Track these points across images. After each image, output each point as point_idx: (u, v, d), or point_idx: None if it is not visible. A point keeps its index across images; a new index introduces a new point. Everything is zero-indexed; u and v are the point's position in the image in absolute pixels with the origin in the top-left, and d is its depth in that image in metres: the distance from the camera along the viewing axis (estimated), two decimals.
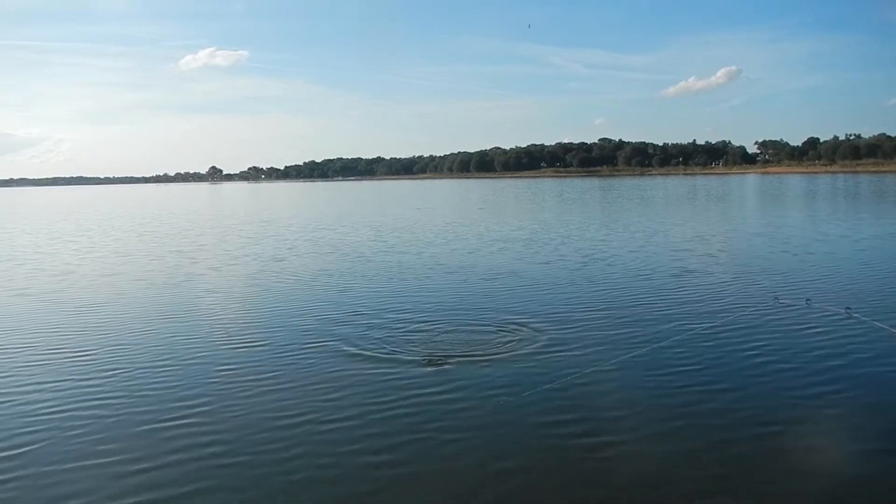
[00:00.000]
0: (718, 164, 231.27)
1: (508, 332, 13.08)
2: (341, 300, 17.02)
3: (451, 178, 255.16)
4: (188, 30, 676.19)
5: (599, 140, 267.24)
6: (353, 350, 12.04)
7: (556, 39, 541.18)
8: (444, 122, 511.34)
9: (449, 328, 13.54)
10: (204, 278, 21.71)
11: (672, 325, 13.47)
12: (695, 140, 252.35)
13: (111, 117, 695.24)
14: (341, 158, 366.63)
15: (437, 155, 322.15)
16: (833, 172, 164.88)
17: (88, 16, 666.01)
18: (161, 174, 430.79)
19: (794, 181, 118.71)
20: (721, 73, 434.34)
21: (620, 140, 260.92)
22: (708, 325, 13.36)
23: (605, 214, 49.94)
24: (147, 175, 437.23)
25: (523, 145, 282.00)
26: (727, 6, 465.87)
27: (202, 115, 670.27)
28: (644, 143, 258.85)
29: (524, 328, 13.33)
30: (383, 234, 35.67)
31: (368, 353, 11.84)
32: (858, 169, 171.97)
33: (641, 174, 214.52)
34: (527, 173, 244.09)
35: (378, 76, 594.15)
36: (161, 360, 11.75)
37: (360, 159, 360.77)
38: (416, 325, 13.83)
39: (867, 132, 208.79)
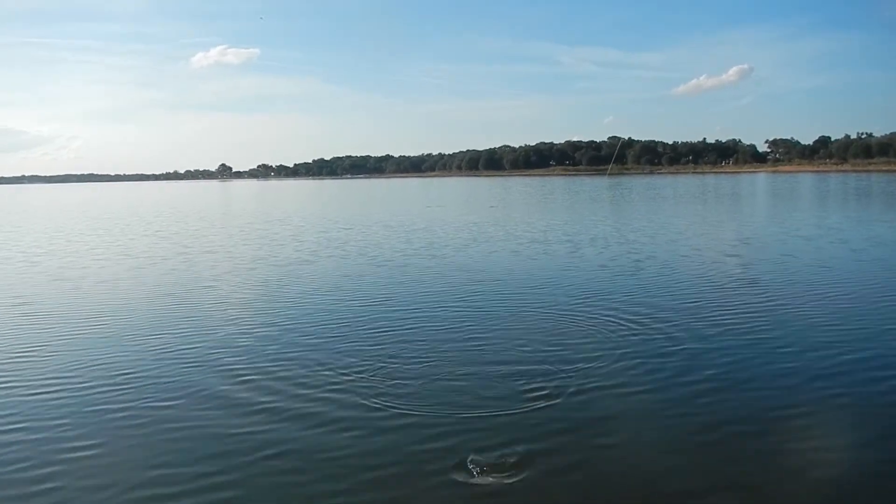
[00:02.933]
0: (729, 163, 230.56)
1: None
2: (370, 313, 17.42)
3: (461, 175, 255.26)
4: (199, 28, 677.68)
5: (609, 138, 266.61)
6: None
7: (565, 38, 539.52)
8: (454, 120, 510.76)
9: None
10: (223, 283, 21.98)
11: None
12: (705, 139, 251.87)
13: (122, 115, 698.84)
14: (350, 156, 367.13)
15: (446, 153, 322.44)
16: (845, 171, 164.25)
17: (101, 15, 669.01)
18: (171, 171, 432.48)
19: (807, 180, 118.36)
20: (733, 71, 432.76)
21: (630, 138, 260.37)
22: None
23: (634, 213, 50.08)
24: (157, 172, 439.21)
25: (532, 143, 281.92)
26: (739, 4, 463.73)
27: (213, 112, 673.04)
28: (654, 141, 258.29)
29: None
30: (414, 236, 35.84)
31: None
32: (870, 168, 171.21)
33: (651, 172, 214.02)
34: (536, 171, 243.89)
35: (388, 75, 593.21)
36: (161, 377, 12.12)
37: (369, 157, 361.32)
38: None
39: (882, 131, 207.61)
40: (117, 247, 32.06)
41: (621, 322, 14.33)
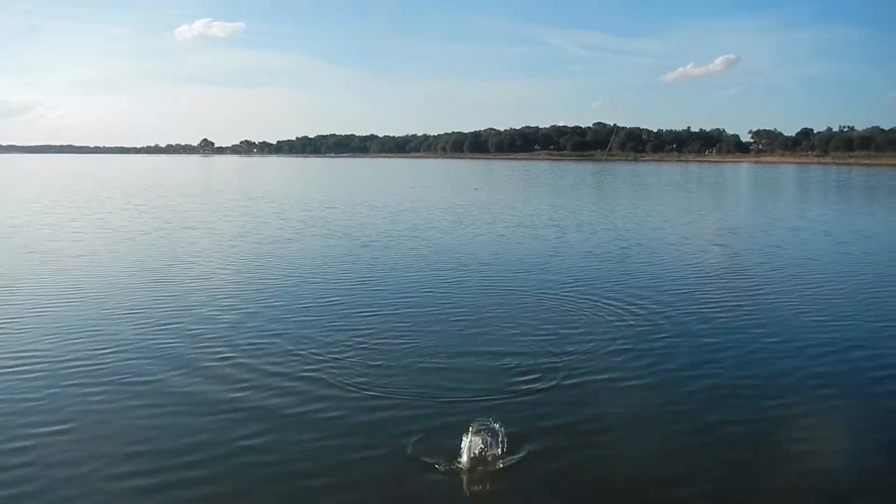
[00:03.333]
0: (712, 152, 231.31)
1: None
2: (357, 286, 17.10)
3: (445, 157, 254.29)
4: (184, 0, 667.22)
5: (594, 124, 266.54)
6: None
7: (557, 20, 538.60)
8: (440, 100, 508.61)
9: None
10: (203, 260, 21.58)
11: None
12: (689, 127, 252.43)
13: (104, 86, 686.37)
14: (334, 135, 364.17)
15: (431, 134, 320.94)
16: (825, 164, 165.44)
17: None
18: (152, 145, 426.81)
19: (789, 172, 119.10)
20: (719, 60, 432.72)
21: (615, 125, 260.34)
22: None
23: (619, 199, 50.00)
24: (138, 146, 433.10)
25: (518, 127, 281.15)
26: None
27: (196, 86, 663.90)
28: (639, 128, 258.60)
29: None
30: (399, 219, 35.49)
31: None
32: (850, 161, 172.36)
33: (635, 159, 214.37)
34: (521, 155, 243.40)
35: (376, 53, 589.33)
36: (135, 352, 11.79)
37: (353, 136, 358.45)
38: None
39: (863, 125, 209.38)
40: (96, 220, 31.42)
41: (610, 309, 14.15)
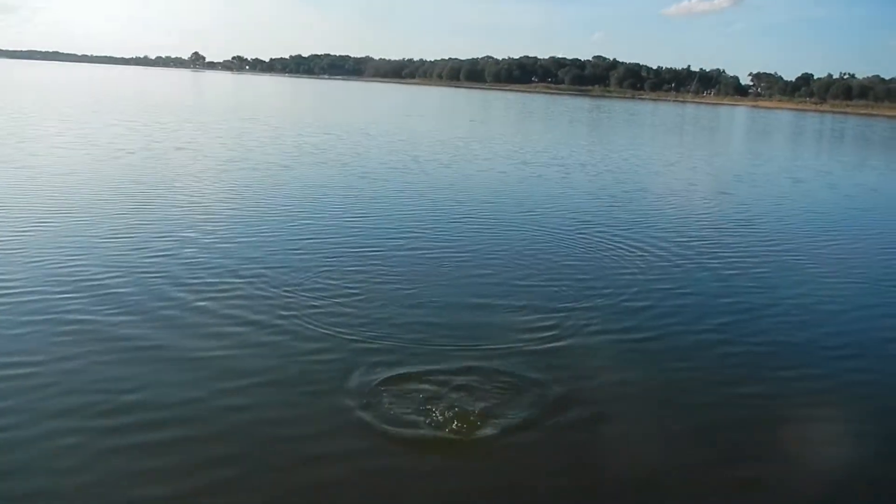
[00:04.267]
0: (710, 93, 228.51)
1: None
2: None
3: (441, 85, 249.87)
4: None
5: (594, 58, 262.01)
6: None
7: None
8: (440, 21, 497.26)
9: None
10: (191, 184, 20.63)
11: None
12: (689, 66, 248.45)
13: None
14: (329, 55, 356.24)
15: (428, 59, 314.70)
16: (822, 112, 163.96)
17: None
18: (141, 56, 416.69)
19: (787, 118, 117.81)
20: None
21: (615, 60, 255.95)
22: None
23: (621, 140, 49.08)
24: (127, 56, 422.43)
25: (516, 57, 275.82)
26: None
27: None
28: (638, 64, 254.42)
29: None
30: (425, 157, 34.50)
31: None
32: (848, 110, 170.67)
33: (633, 97, 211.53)
34: (517, 87, 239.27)
35: None
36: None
37: (348, 57, 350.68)
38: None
39: (865, 73, 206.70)
40: (80, 135, 30.17)
41: (617, 258, 13.64)
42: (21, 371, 7.50)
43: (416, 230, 15.28)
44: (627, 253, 14.13)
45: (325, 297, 10.31)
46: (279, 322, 9.24)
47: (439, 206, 18.52)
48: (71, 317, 9.07)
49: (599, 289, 11.44)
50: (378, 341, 8.73)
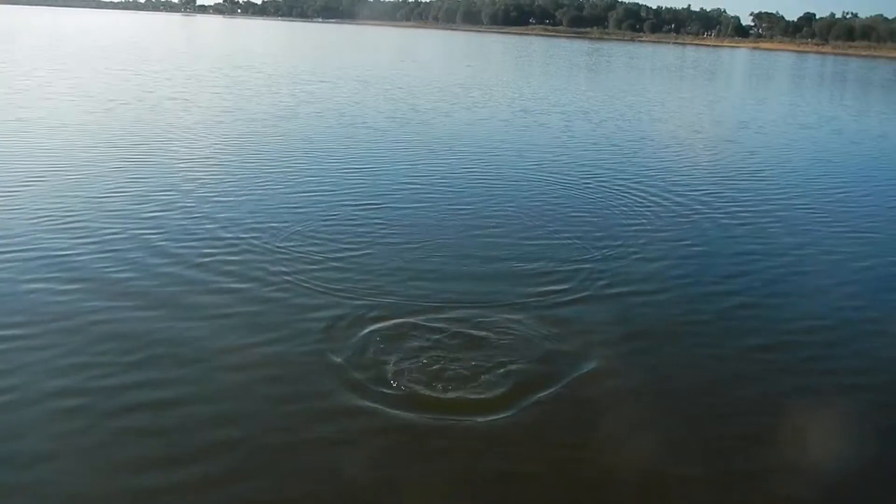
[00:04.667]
0: (710, 35, 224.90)
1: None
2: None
3: (437, 28, 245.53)
4: None
5: None
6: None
7: None
8: None
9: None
10: (184, 137, 20.13)
11: None
12: (689, 6, 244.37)
13: None
14: None
15: (423, 0, 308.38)
16: (824, 53, 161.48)
17: None
18: (130, 0, 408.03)
19: (788, 60, 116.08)
20: None
21: None
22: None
23: (623, 85, 48.26)
24: (116, 0, 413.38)
25: None
26: None
27: None
28: (637, 4, 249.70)
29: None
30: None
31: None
32: (850, 52, 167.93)
33: (632, 40, 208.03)
34: (514, 29, 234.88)
35: None
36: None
37: None
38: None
39: (864, 12, 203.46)
40: (71, 85, 29.44)
41: (626, 209, 13.46)
42: (21, 331, 7.32)
43: (417, 183, 14.97)
44: (636, 204, 13.90)
45: (324, 252, 10.10)
46: (274, 278, 9.04)
47: (440, 157, 18.16)
48: (69, 273, 8.83)
49: (607, 241, 11.26)
50: (378, 297, 8.52)
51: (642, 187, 15.35)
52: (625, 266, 10.17)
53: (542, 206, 13.58)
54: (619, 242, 11.23)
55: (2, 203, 11.86)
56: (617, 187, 15.30)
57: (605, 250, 10.78)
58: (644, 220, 12.71)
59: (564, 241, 11.22)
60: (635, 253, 10.77)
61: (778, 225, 13.07)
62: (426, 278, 9.29)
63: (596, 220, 12.69)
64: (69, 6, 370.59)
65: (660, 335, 8.08)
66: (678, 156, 20.31)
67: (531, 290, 9.00)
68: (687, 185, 15.88)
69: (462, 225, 11.95)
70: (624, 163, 18.43)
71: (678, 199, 14.49)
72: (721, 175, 17.62)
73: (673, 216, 13.14)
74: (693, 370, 7.42)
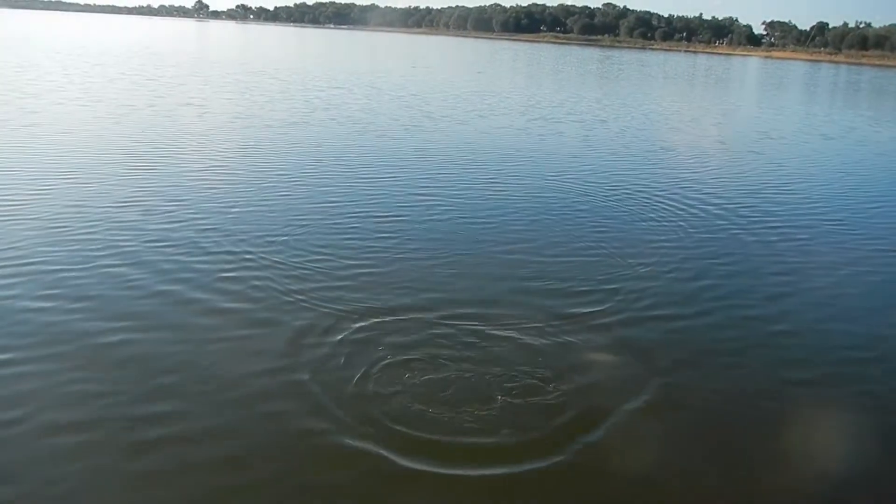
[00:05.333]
0: (722, 44, 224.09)
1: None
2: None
3: (448, 35, 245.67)
4: None
5: (604, 5, 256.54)
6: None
7: None
8: None
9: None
10: (196, 143, 19.69)
11: None
12: (701, 14, 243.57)
13: None
14: (334, 2, 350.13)
15: (434, 7, 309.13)
16: (837, 62, 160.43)
17: None
18: (144, 6, 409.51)
19: (800, 70, 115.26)
20: None
21: (625, 7, 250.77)
22: None
23: (638, 94, 47.70)
24: (129, 5, 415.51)
25: (524, 4, 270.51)
26: None
27: None
28: (648, 12, 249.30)
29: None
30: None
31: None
32: (863, 61, 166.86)
33: (643, 47, 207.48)
34: (526, 36, 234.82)
35: None
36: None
37: (353, 5, 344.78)
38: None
39: (879, 21, 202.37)
40: (84, 89, 29.13)
41: (653, 223, 12.89)
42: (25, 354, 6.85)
43: (436, 195, 14.45)
44: (665, 218, 13.37)
45: (339, 268, 9.61)
46: (287, 297, 8.56)
47: (459, 165, 17.67)
48: (73, 291, 8.36)
49: (640, 258, 10.73)
50: (399, 317, 8.06)
51: (670, 200, 14.82)
52: (662, 286, 9.62)
53: (565, 219, 13.09)
54: (653, 259, 10.69)
55: (3, 213, 11.44)
56: (644, 200, 14.77)
57: (638, 268, 10.26)
58: (676, 236, 12.17)
59: (594, 258, 10.70)
60: (672, 271, 10.23)
61: (817, 242, 12.52)
62: (449, 299, 8.77)
63: (624, 234, 12.17)
64: (84, 11, 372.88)
65: (707, 366, 7.53)
66: (703, 167, 19.76)
67: (565, 310, 8.48)
68: (718, 198, 15.31)
69: (484, 240, 11.43)
70: (647, 174, 17.89)
71: (710, 212, 13.95)
72: (751, 188, 17.03)
73: (707, 231, 12.59)
74: (747, 407, 6.86)
